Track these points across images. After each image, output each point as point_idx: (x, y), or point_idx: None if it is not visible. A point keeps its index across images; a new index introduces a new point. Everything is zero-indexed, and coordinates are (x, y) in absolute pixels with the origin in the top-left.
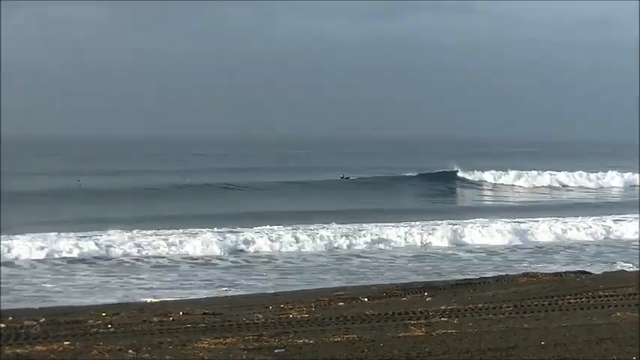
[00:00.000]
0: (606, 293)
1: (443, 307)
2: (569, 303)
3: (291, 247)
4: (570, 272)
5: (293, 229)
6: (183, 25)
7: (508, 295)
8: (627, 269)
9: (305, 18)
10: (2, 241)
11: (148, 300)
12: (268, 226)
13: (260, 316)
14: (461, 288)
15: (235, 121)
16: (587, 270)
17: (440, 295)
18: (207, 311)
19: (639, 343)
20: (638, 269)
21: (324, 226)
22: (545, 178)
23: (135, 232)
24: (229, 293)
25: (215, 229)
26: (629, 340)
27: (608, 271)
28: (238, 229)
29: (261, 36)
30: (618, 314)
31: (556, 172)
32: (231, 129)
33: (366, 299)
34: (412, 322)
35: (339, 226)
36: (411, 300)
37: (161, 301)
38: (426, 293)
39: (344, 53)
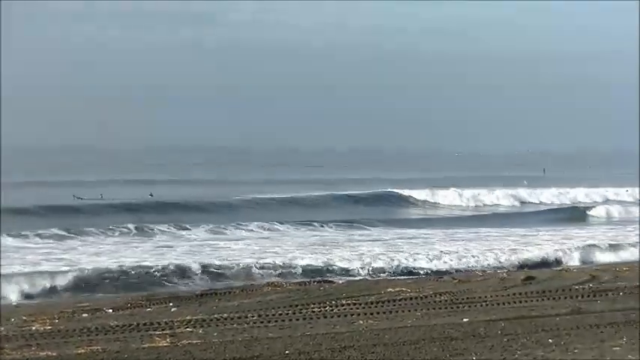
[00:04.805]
0: (349, 302)
1: (188, 318)
2: (313, 312)
3: None
4: (314, 281)
5: None
6: None
7: (253, 305)
8: (369, 278)
9: None
10: None
11: None
12: None
13: (2, 328)
14: (206, 298)
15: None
16: (330, 279)
17: (185, 306)
18: None
19: None
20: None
21: None
22: None
23: None
24: None
25: None
26: (371, 348)
27: (351, 279)
28: None
29: None
30: (361, 322)
31: None
32: None
33: (110, 310)
34: (157, 332)
35: None
36: (156, 310)
37: None
38: (171, 303)
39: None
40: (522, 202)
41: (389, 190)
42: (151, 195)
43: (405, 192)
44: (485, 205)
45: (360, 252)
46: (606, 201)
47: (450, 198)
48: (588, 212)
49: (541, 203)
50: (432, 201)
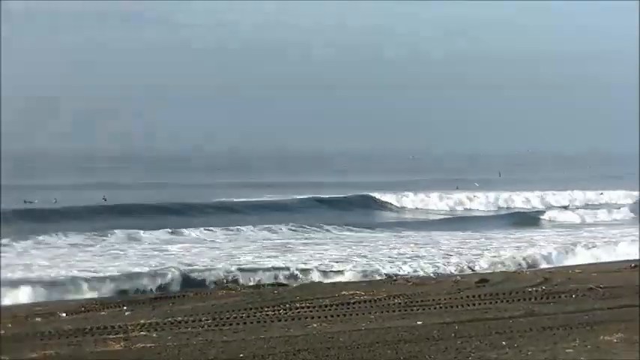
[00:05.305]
0: (303, 305)
1: (142, 321)
2: (267, 315)
3: None
4: (268, 284)
5: None
6: None
7: (207, 308)
8: (323, 281)
9: None
10: None
11: None
12: None
13: None
14: (160, 301)
15: None
16: (284, 282)
17: (139, 309)
18: None
19: None
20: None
21: None
22: None
23: None
24: None
25: None
26: (325, 351)
27: (305, 282)
28: None
29: None
30: (315, 325)
31: None
32: None
33: (64, 314)
34: (111, 336)
35: None
36: (110, 314)
37: None
38: (125, 307)
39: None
40: (499, 207)
41: (364, 193)
42: (105, 199)
43: (377, 195)
44: (464, 209)
45: (317, 255)
46: (586, 205)
47: (419, 202)
48: (543, 217)
49: (512, 207)
50: (402, 205)
